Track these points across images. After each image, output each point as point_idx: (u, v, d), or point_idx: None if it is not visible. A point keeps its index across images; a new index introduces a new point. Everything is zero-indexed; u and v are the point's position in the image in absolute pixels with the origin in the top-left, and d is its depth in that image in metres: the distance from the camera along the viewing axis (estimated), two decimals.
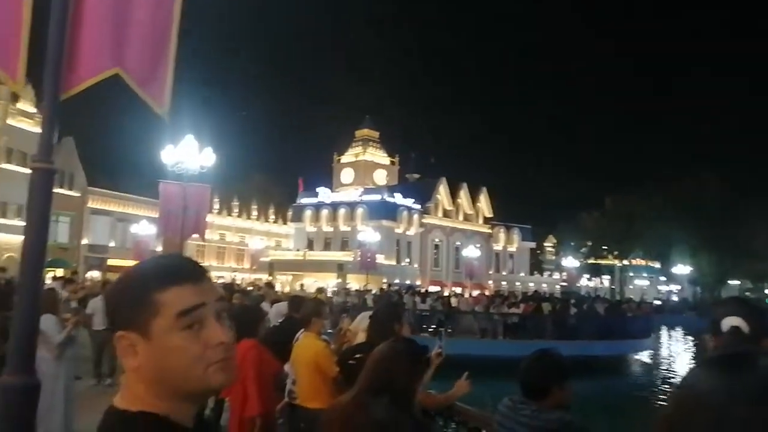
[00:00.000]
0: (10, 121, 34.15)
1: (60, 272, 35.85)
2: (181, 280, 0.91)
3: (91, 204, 41.73)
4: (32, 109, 35.16)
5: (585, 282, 69.39)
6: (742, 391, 0.53)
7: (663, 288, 75.99)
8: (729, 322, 1.75)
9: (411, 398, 2.16)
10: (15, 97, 34.09)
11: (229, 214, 53.22)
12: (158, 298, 0.89)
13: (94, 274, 39.55)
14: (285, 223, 58.78)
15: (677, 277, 54.70)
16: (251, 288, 17.23)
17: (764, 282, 62.29)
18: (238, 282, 29.75)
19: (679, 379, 0.61)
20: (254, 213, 56.05)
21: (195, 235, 15.14)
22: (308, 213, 55.65)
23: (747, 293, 62.31)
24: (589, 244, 67.72)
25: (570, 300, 25.19)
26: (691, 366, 0.63)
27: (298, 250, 53.02)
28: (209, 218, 21.24)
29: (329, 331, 6.57)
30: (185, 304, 0.89)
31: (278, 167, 79.73)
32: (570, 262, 58.99)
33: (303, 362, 4.27)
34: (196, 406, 0.96)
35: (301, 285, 34.91)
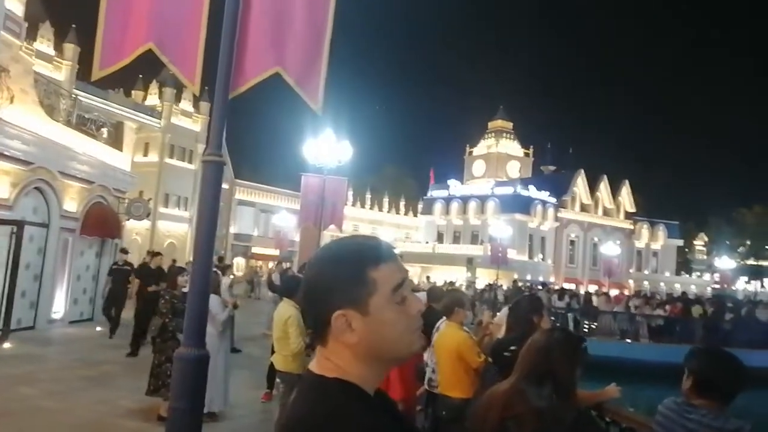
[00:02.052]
0: (173, 120, 37.92)
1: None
2: (388, 258, 0.98)
3: (238, 195, 45.20)
4: (191, 108, 38.78)
5: (742, 285, 62.77)
6: None
7: None
8: None
9: (572, 388, 2.14)
10: (177, 98, 37.81)
11: (362, 206, 54.89)
12: (374, 276, 0.95)
13: (240, 261, 43.00)
14: (415, 216, 59.51)
15: None
16: None
17: None
18: None
19: None
20: (386, 205, 57.35)
21: (332, 226, 15.80)
22: (438, 205, 55.86)
23: None
24: (749, 242, 61.05)
25: (725, 303, 22.95)
26: None
27: (427, 242, 53.46)
28: (344, 210, 22.09)
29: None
30: (396, 280, 0.97)
31: (410, 160, 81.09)
32: (724, 262, 53.64)
33: (445, 351, 4.33)
34: (383, 377, 1.03)
35: (427, 278, 35.14)
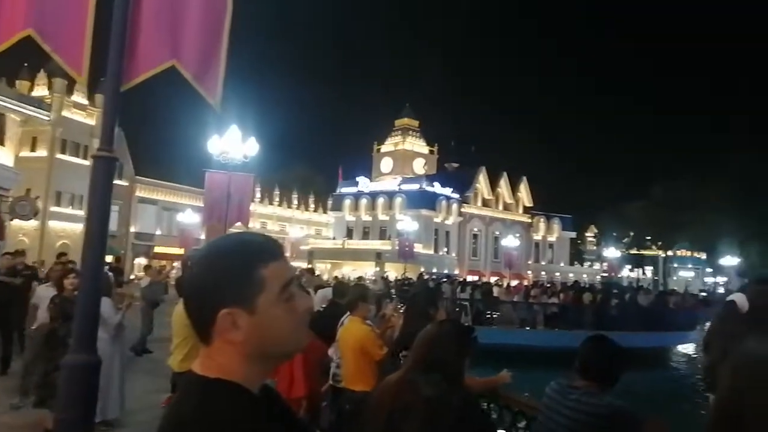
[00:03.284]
0: (65, 113, 35.38)
1: (108, 258, 37.32)
2: (277, 255, 0.98)
3: (139, 193, 43.01)
4: (85, 101, 36.34)
5: (626, 273, 67.93)
6: None
7: (709, 280, 73.79)
8: (731, 296, 1.80)
9: (460, 376, 2.22)
10: (69, 90, 35.30)
11: (271, 203, 54.00)
12: (264, 274, 0.94)
13: (141, 261, 40.95)
14: (325, 212, 59.37)
15: (724, 268, 52.97)
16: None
17: None
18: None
19: (741, 351, 0.64)
20: (294, 202, 56.76)
21: (238, 224, 15.47)
22: (347, 202, 56.07)
23: None
24: (632, 234, 66.22)
25: (611, 290, 24.76)
26: (751, 338, 0.65)
27: (334, 238, 53.54)
28: (251, 207, 21.64)
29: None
30: (285, 278, 0.97)
31: (319, 157, 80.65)
32: (611, 252, 57.82)
33: (349, 346, 4.39)
34: (269, 374, 1.04)
35: (335, 277, 35.23)
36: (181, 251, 35.11)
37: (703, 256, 65.90)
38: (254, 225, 48.67)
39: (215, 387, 0.92)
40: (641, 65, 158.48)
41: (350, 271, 42.66)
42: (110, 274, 7.06)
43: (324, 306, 6.49)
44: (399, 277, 30.45)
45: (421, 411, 2.03)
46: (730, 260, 52.95)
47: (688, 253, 70.81)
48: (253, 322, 0.93)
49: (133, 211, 42.56)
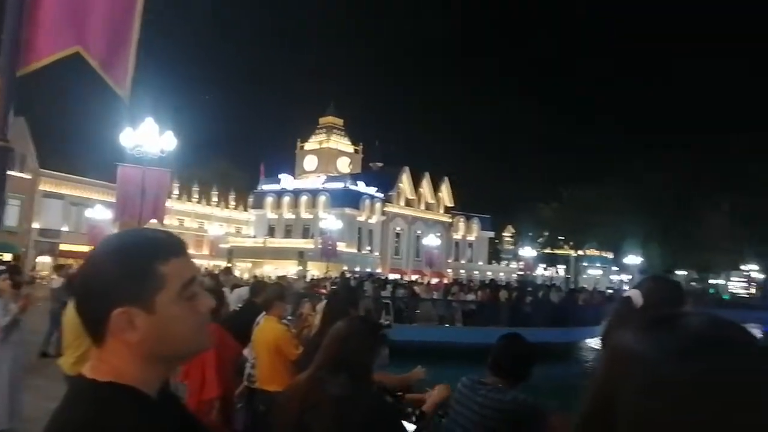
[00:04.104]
0: None
1: (7, 257, 34.67)
2: (179, 252, 0.94)
3: (43, 187, 40.33)
4: None
5: (541, 271, 70.95)
6: (671, 346, 0.59)
7: (615, 278, 78.38)
8: (627, 292, 1.92)
9: (368, 374, 2.23)
10: None
11: (189, 200, 52.29)
12: (164, 271, 0.90)
13: (45, 260, 38.41)
14: (246, 210, 58.13)
15: (628, 267, 56.45)
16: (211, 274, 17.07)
17: (708, 272, 64.91)
18: (208, 268, 29.36)
19: (616, 341, 0.66)
20: (214, 199, 55.24)
21: (153, 221, 14.84)
22: (269, 200, 55.18)
23: (692, 283, 64.91)
24: (546, 234, 69.23)
25: (526, 288, 25.77)
26: (622, 329, 0.66)
27: (254, 236, 52.60)
28: (168, 203, 20.82)
29: (289, 317, 6.64)
30: (187, 276, 0.93)
31: (241, 153, 78.66)
32: (527, 251, 60.16)
33: (264, 345, 4.33)
34: (167, 376, 0.99)
35: (255, 276, 34.53)
36: (90, 249, 33.26)
37: (610, 255, 69.66)
38: (171, 222, 46.90)
39: (107, 391, 0.87)
40: (558, 69, 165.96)
41: (272, 270, 42.00)
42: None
43: (240, 305, 6.36)
44: (316, 277, 30.28)
45: (330, 409, 2.03)
46: (633, 259, 56.42)
47: (597, 253, 74.77)
48: (150, 322, 0.89)
49: (37, 205, 39.86)
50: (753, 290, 63.39)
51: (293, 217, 54.02)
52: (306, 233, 51.18)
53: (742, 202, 49.69)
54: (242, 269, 42.24)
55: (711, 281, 66.48)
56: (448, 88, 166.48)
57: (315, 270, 38.14)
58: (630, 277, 71.43)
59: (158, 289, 0.89)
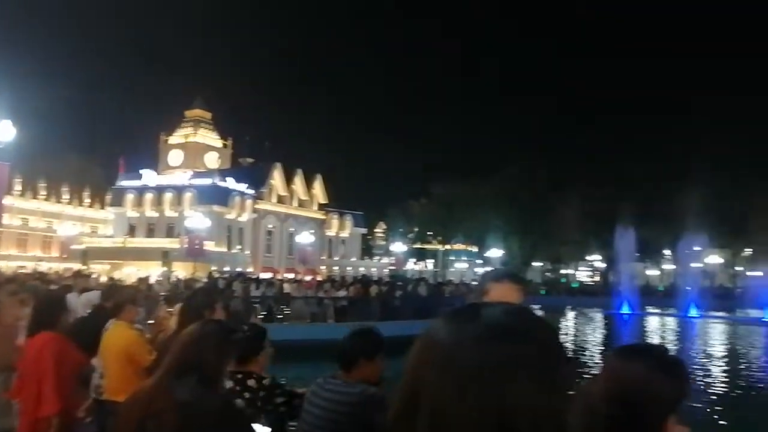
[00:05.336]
0: None
1: None
2: None
3: None
4: None
5: (411, 266, 73.35)
6: (468, 333, 0.66)
7: (480, 270, 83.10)
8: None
9: (219, 378, 2.15)
10: None
11: (35, 197, 47.55)
12: None
13: None
14: (103, 208, 54.10)
15: (491, 260, 60.15)
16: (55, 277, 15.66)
17: (560, 264, 71.05)
18: (42, 271, 26.78)
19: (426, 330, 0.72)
20: (66, 196, 50.72)
21: None
22: (130, 197, 51.80)
23: (547, 274, 70.71)
24: (416, 229, 71.70)
25: (396, 282, 26.52)
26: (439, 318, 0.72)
27: (112, 236, 49.24)
28: (7, 201, 18.75)
29: (150, 322, 6.25)
30: None
31: (97, 147, 72.95)
32: (398, 247, 61.92)
33: (113, 352, 4.02)
34: None
35: (111, 278, 32.29)
36: None
37: (476, 249, 73.65)
38: (12, 221, 42.32)
39: None
40: (430, 65, 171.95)
41: (134, 271, 39.43)
42: None
43: (89, 311, 5.87)
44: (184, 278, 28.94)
45: (175, 417, 1.92)
46: (495, 252, 60.22)
47: (463, 247, 78.76)
48: None
49: None
50: (597, 278, 70.29)
51: (156, 215, 51.22)
52: (171, 232, 48.78)
53: (589, 197, 54.97)
54: (99, 272, 39.28)
55: (562, 271, 72.75)
56: (320, 86, 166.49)
57: (181, 271, 36.41)
58: (492, 269, 76.05)
59: None
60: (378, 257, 71.83)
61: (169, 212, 50.61)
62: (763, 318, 30.87)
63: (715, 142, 52.43)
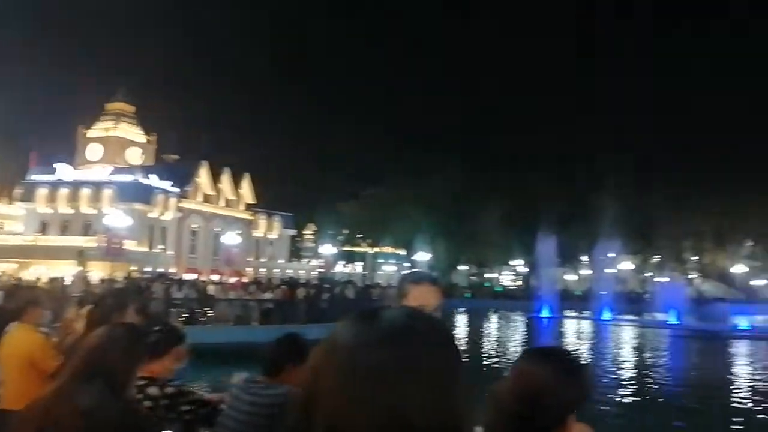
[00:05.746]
0: None
1: None
2: None
3: None
4: None
5: (341, 268, 73.23)
6: (368, 336, 0.68)
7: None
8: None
9: (127, 384, 2.09)
10: None
11: None
12: None
13: None
14: (11, 203, 50.81)
15: (418, 263, 60.99)
16: None
17: (485, 268, 73.09)
18: None
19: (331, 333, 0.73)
20: None
21: None
22: (42, 192, 48.93)
23: (472, 277, 72.56)
24: (346, 232, 71.69)
25: (323, 285, 26.42)
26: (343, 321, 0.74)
27: (24, 233, 46.46)
28: None
29: (57, 325, 5.91)
30: None
31: (6, 138, 68.21)
32: (327, 249, 61.66)
33: (13, 358, 3.77)
34: None
35: (16, 278, 30.35)
36: None
37: (404, 252, 74.50)
38: None
39: None
40: (359, 68, 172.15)
41: (44, 271, 37.25)
42: None
43: None
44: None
45: (75, 424, 1.84)
46: (423, 255, 61.16)
47: (392, 250, 79.47)
48: None
49: None
50: (520, 283, 72.78)
51: (72, 211, 48.62)
52: (87, 230, 46.46)
53: (511, 202, 56.89)
54: (6, 271, 36.86)
55: (487, 275, 74.85)
56: (248, 85, 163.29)
57: (98, 271, 34.75)
58: (410, 271, 77.12)
59: None
60: (307, 259, 71.23)
61: (86, 209, 48.17)
62: (669, 321, 33.00)
63: (622, 154, 55.70)
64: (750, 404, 12.94)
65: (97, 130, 57.22)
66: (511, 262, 70.36)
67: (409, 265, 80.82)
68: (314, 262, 69.17)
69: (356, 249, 73.50)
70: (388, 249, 75.45)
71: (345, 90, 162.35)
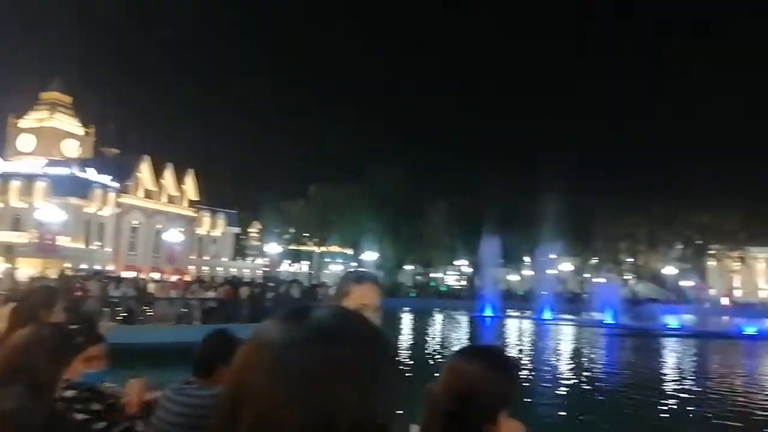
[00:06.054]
0: None
1: None
2: None
3: None
4: None
5: (286, 267, 72.43)
6: (295, 335, 0.66)
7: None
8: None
9: (52, 387, 2.00)
10: None
11: None
12: None
13: None
14: None
15: (366, 262, 61.05)
16: None
17: (430, 268, 73.89)
18: None
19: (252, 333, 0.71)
20: None
21: None
22: None
23: (418, 277, 73.26)
24: (292, 230, 70.96)
25: (268, 284, 26.09)
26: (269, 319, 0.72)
27: None
28: None
29: None
30: None
31: None
32: (273, 247, 60.88)
33: None
34: None
35: None
36: None
37: (351, 251, 74.41)
38: None
39: None
40: (310, 65, 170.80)
41: None
42: None
43: None
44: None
45: None
46: (370, 255, 61.27)
47: (339, 249, 79.22)
48: None
49: None
50: (464, 282, 73.95)
51: (1, 205, 46.14)
52: (17, 225, 44.22)
53: (457, 203, 57.74)
54: None
55: (432, 275, 75.67)
56: (195, 78, 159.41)
57: (29, 268, 33.11)
58: (351, 271, 77.16)
59: None
60: (251, 258, 70.11)
61: (16, 202, 45.83)
62: (605, 320, 34.32)
63: (564, 155, 57.48)
64: (678, 396, 13.90)
65: (29, 120, 54.56)
66: (455, 263, 71.39)
67: (356, 264, 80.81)
68: (259, 261, 68.19)
69: (302, 248, 72.85)
70: (335, 248, 75.20)
71: (295, 86, 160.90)
